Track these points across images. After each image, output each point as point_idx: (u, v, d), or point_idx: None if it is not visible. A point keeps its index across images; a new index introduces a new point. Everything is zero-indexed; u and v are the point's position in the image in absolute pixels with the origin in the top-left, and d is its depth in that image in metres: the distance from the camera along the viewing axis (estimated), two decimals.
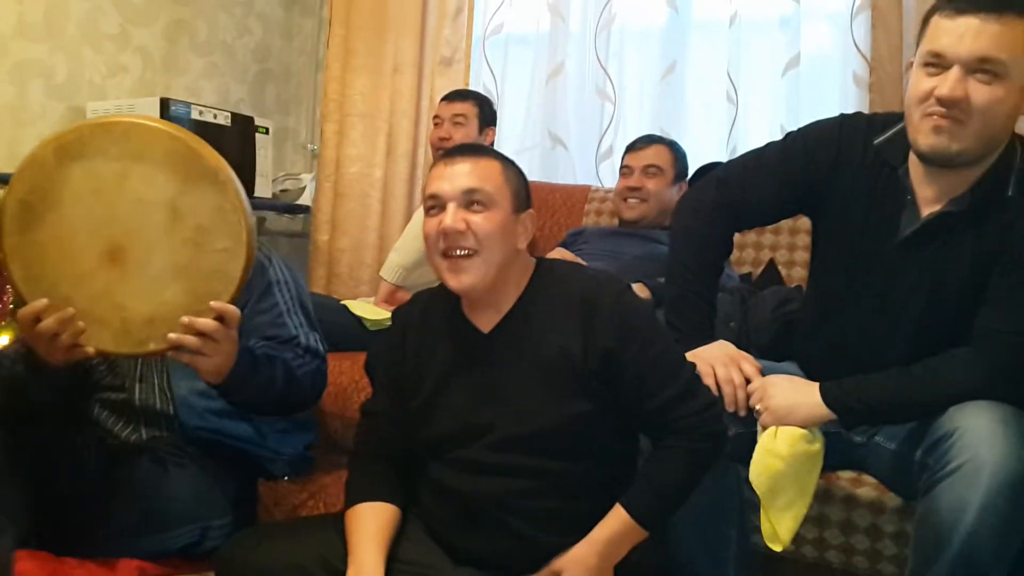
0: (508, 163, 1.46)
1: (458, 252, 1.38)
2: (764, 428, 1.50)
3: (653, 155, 2.44)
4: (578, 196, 2.85)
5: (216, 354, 1.40)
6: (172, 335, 1.37)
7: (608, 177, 3.00)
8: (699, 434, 1.40)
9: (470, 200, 1.39)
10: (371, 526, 1.40)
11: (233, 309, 1.40)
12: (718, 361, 1.55)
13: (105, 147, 1.40)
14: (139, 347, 1.40)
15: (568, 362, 1.39)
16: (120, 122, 1.43)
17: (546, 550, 1.39)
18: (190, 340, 1.37)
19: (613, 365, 1.39)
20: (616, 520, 1.38)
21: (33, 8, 2.69)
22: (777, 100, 2.72)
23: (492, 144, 2.78)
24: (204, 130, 2.76)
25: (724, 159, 2.73)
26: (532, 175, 2.99)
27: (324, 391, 1.73)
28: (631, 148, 2.50)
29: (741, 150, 2.76)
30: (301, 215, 3.37)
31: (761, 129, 2.75)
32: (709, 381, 1.50)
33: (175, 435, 1.67)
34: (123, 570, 1.52)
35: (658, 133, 2.77)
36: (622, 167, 2.49)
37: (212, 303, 1.38)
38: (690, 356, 1.51)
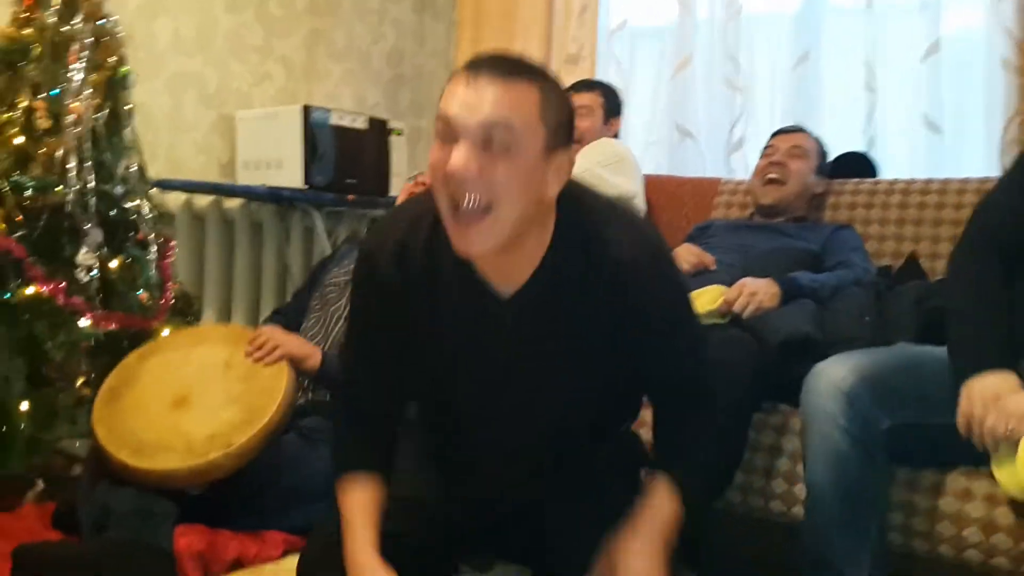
0: (550, 85, 1.16)
1: (467, 203, 1.11)
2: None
3: (801, 139, 2.38)
4: (707, 189, 2.81)
5: (284, 341, 1.77)
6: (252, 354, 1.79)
7: (739, 169, 2.96)
8: (714, 402, 1.36)
9: (489, 138, 1.10)
10: (364, 507, 1.27)
11: (257, 331, 1.86)
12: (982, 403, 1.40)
13: (175, 343, 1.92)
14: (202, 460, 1.62)
15: (596, 329, 1.24)
16: (189, 329, 2.10)
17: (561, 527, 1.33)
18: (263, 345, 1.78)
19: (639, 329, 1.25)
20: (667, 505, 1.27)
21: (187, 24, 2.88)
22: (919, 87, 2.61)
23: (617, 136, 2.77)
24: (343, 135, 2.89)
25: (862, 149, 2.65)
26: (660, 169, 3.01)
27: None
28: (778, 132, 2.44)
29: (880, 140, 2.68)
30: None
31: (901, 118, 2.65)
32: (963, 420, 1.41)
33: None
34: (271, 541, 1.63)
35: (791, 121, 2.72)
36: (765, 148, 2.41)
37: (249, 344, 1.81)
38: (964, 388, 1.42)
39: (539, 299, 1.23)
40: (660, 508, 1.27)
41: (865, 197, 2.41)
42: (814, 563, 1.53)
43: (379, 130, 3.07)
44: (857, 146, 2.65)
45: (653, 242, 1.27)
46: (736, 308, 1.87)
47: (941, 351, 1.54)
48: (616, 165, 2.59)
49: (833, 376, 1.51)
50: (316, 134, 2.80)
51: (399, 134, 3.16)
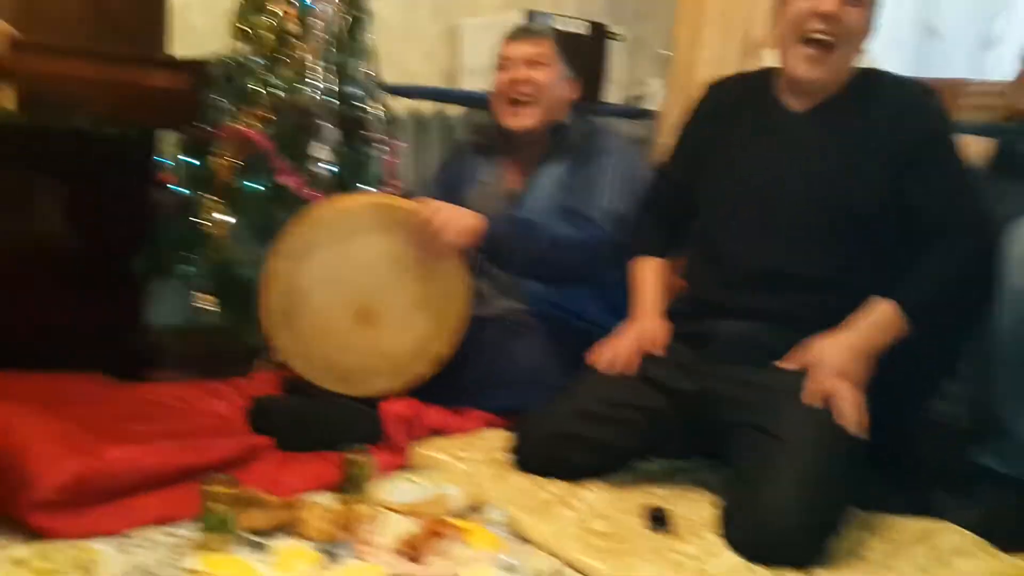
0: None
1: (819, 36, 1.51)
2: None
3: None
4: (951, 91, 2.56)
5: (447, 219, 1.70)
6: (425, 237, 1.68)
7: (993, 69, 2.67)
8: (977, 234, 1.48)
9: None
10: (654, 278, 1.70)
11: (419, 205, 1.73)
12: None
13: (325, 236, 1.70)
14: (410, 376, 1.68)
15: (873, 153, 1.51)
16: (326, 209, 1.76)
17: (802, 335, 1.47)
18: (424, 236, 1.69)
19: (914, 156, 1.50)
20: (880, 309, 1.44)
21: None
22: None
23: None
24: (563, 39, 2.90)
25: None
26: (902, 69, 2.76)
27: (609, 265, 1.84)
28: None
29: None
30: (649, 120, 3.42)
31: None
32: None
33: (525, 308, 1.89)
34: (472, 418, 1.76)
35: None
36: None
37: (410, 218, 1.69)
38: None
39: (826, 118, 1.57)
40: (875, 312, 1.45)
41: None
42: (978, 409, 1.57)
43: (599, 34, 3.06)
44: None
45: (930, 94, 1.59)
46: None
47: None
48: None
49: None
50: None
51: (620, 39, 3.13)
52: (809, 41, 1.52)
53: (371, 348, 1.70)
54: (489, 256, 1.83)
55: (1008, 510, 1.46)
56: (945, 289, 1.48)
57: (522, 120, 1.97)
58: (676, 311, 1.67)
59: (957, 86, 2.57)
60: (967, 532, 1.40)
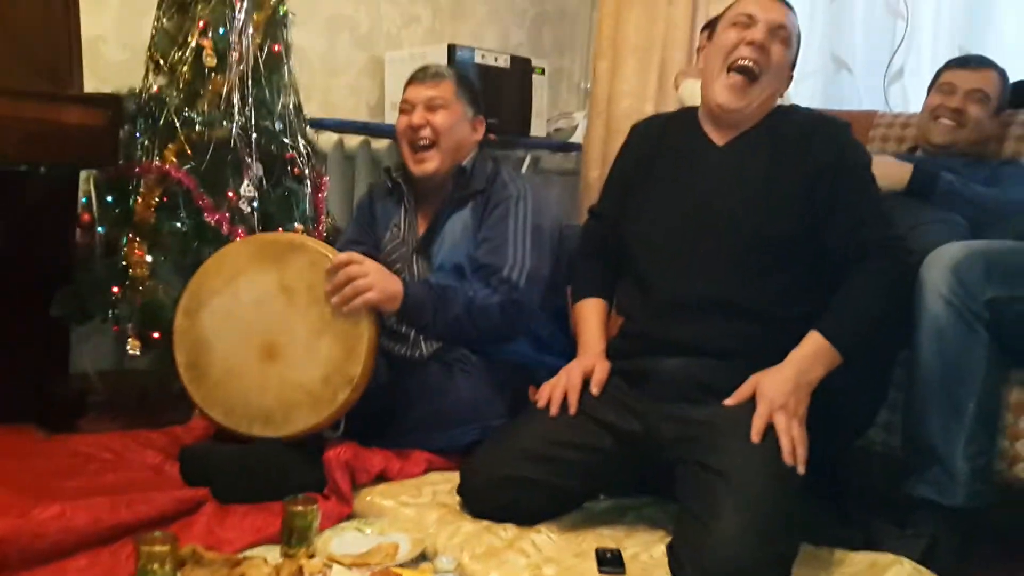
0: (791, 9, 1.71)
1: (747, 63, 1.60)
2: None
3: (984, 81, 2.15)
4: (862, 123, 2.67)
5: (373, 283, 1.64)
6: (334, 300, 1.63)
7: (898, 101, 2.80)
8: (893, 257, 1.54)
9: (775, 33, 1.62)
10: (595, 319, 1.73)
11: (339, 257, 1.65)
12: None
13: (211, 286, 1.72)
14: (332, 404, 1.62)
15: (788, 179, 1.58)
16: (209, 261, 1.77)
17: (733, 365, 1.51)
18: (348, 291, 1.62)
19: (827, 180, 1.56)
20: (811, 341, 1.49)
21: None
22: None
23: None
24: (486, 73, 2.93)
25: None
26: (814, 102, 2.89)
27: (526, 321, 1.86)
28: (961, 65, 2.21)
29: None
30: (573, 153, 3.48)
31: None
32: None
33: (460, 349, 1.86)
34: (414, 459, 1.73)
35: (957, 50, 2.54)
36: (940, 84, 2.21)
37: (329, 265, 1.64)
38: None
39: (746, 146, 1.64)
40: (806, 344, 1.49)
41: None
42: (911, 441, 1.59)
43: (522, 69, 3.09)
44: None
45: (845, 129, 1.67)
46: None
47: None
48: None
49: (946, 253, 1.59)
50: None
51: (541, 73, 3.17)
52: (735, 69, 1.61)
53: (283, 382, 1.65)
54: (406, 322, 1.81)
55: (948, 540, 1.50)
56: (869, 316, 1.52)
57: (423, 166, 1.94)
58: (615, 347, 1.68)
59: (868, 117, 2.69)
60: (912, 563, 1.43)
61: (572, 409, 1.56)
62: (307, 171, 2.33)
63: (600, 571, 1.39)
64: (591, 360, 1.63)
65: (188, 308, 1.73)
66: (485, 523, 1.51)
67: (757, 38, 1.60)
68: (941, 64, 2.39)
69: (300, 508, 1.39)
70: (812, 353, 1.48)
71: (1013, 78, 2.24)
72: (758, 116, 1.66)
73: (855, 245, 1.54)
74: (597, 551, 1.43)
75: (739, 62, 1.61)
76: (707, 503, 1.35)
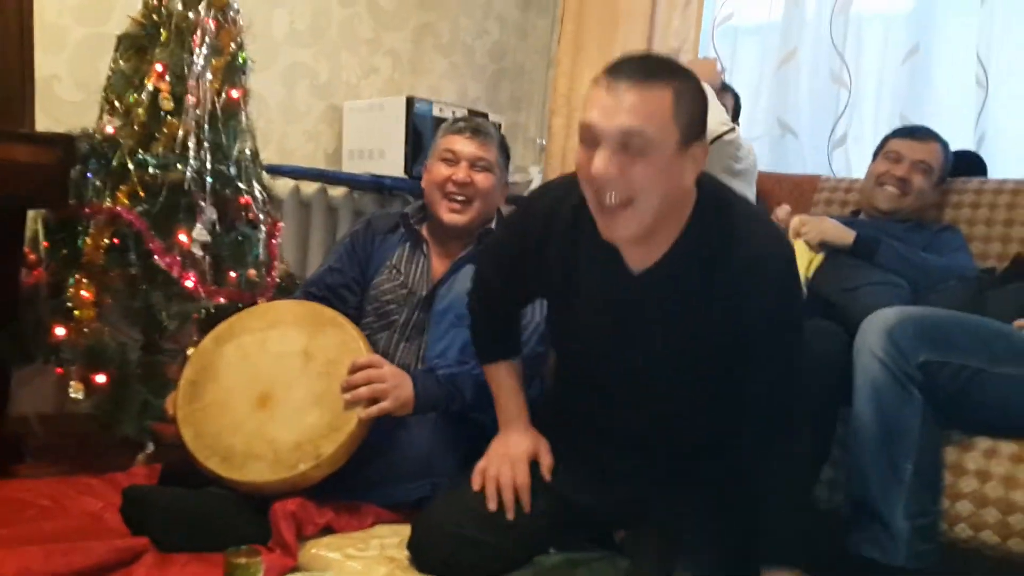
0: (684, 84, 1.26)
1: (609, 200, 1.26)
2: None
3: (929, 152, 2.24)
4: (807, 186, 2.77)
5: (389, 391, 1.64)
6: (347, 395, 1.63)
7: (841, 166, 2.90)
8: (803, 426, 1.41)
9: (626, 143, 1.23)
10: (514, 387, 1.62)
11: (368, 357, 1.67)
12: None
13: (249, 325, 1.79)
14: (290, 470, 1.61)
15: (710, 314, 1.34)
16: (260, 305, 1.92)
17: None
18: (364, 391, 1.63)
19: (748, 324, 1.34)
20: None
21: (302, 16, 3.01)
22: None
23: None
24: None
25: (971, 147, 2.56)
26: (760, 165, 2.96)
27: (530, 379, 1.80)
28: (907, 135, 2.29)
29: (991, 137, 2.59)
30: None
31: (1018, 114, 2.54)
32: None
33: None
34: (363, 512, 1.70)
35: (898, 118, 2.65)
36: (886, 151, 2.29)
37: (354, 361, 1.65)
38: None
39: (666, 278, 1.36)
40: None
41: (972, 196, 2.35)
42: (853, 504, 1.62)
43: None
44: (967, 143, 2.56)
45: (781, 249, 1.37)
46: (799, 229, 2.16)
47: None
48: (745, 175, 2.56)
49: (882, 316, 1.63)
50: (418, 125, 2.88)
51: (497, 128, 3.21)
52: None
53: (259, 431, 1.64)
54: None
55: None
56: (792, 502, 1.42)
57: (457, 217, 1.95)
58: (551, 413, 1.63)
59: (812, 181, 2.78)
60: None
61: (526, 508, 1.50)
62: (261, 216, 2.32)
63: None
64: (530, 444, 1.57)
65: (220, 336, 1.79)
66: None
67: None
68: (882, 131, 2.51)
69: (243, 560, 1.35)
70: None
71: (951, 147, 2.34)
72: (677, 230, 1.35)
73: (760, 411, 1.40)
74: None
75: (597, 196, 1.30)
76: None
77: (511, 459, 1.53)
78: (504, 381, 1.63)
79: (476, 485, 1.53)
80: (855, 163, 2.86)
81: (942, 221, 2.34)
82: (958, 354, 1.61)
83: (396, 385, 1.69)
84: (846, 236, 2.09)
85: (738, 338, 1.35)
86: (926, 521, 1.59)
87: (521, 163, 3.68)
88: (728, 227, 1.33)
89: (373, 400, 1.65)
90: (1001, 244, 2.26)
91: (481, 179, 1.97)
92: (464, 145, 1.98)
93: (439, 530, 1.51)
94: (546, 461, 1.54)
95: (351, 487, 1.72)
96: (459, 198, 1.96)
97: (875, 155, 2.35)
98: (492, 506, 1.50)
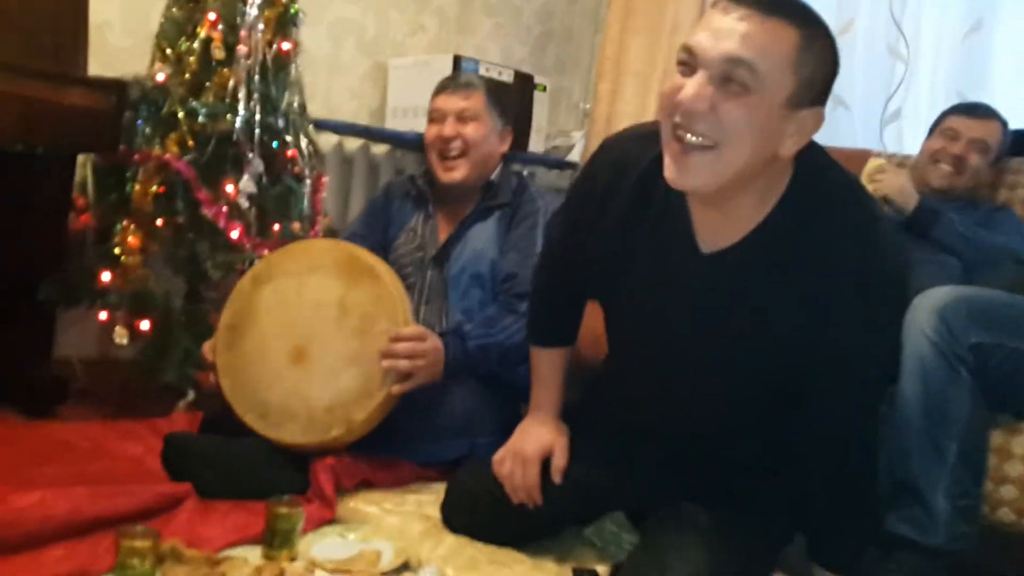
0: (817, 32, 1.07)
1: (689, 138, 1.07)
2: None
3: (988, 131, 2.17)
4: (857, 160, 2.70)
5: (425, 367, 1.62)
6: (386, 363, 1.60)
7: (892, 142, 2.84)
8: (871, 457, 1.30)
9: (729, 74, 1.05)
10: (553, 376, 1.50)
11: (413, 330, 1.63)
12: None
13: (287, 267, 1.74)
14: (323, 435, 1.60)
15: (786, 314, 1.16)
16: (297, 244, 1.84)
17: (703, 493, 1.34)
18: (403, 364, 1.59)
19: (826, 332, 1.15)
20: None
21: None
22: None
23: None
24: (489, 86, 2.93)
25: None
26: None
27: None
28: (966, 112, 2.22)
29: None
30: (569, 171, 3.48)
31: None
32: None
33: None
34: (400, 469, 1.71)
35: (955, 95, 2.58)
36: (943, 128, 2.22)
37: (398, 332, 1.61)
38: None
39: (742, 266, 1.17)
40: None
41: None
42: (893, 483, 1.57)
43: (524, 84, 3.10)
44: None
45: (887, 252, 1.15)
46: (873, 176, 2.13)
47: None
48: None
49: (934, 295, 1.58)
50: None
51: (543, 90, 3.18)
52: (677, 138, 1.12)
53: (294, 389, 1.64)
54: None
55: None
56: (856, 513, 1.35)
57: (452, 174, 1.97)
58: (593, 405, 1.56)
59: (863, 156, 2.72)
60: None
61: (536, 505, 1.45)
62: (307, 170, 2.32)
63: None
64: (547, 440, 1.46)
65: (257, 276, 1.76)
66: (467, 537, 1.49)
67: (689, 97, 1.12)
68: (937, 108, 2.43)
69: (285, 510, 1.37)
70: None
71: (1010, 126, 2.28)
72: (761, 203, 1.17)
73: (831, 406, 1.26)
74: (575, 570, 1.43)
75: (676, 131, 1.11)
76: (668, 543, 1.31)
77: (524, 458, 1.45)
78: (545, 369, 1.52)
79: (496, 474, 1.49)
80: (908, 139, 2.79)
81: (996, 201, 2.28)
82: (1011, 337, 1.57)
83: (433, 363, 1.68)
84: (909, 200, 2.05)
85: (815, 350, 1.17)
86: (968, 503, 1.56)
87: (564, 126, 3.64)
88: (827, 216, 1.13)
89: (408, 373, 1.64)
90: None
91: (469, 130, 1.97)
92: (446, 101, 2.01)
93: (470, 496, 1.51)
94: (559, 462, 1.44)
95: (390, 443, 1.73)
96: (451, 154, 1.97)
97: (930, 132, 2.29)
98: (514, 501, 1.46)
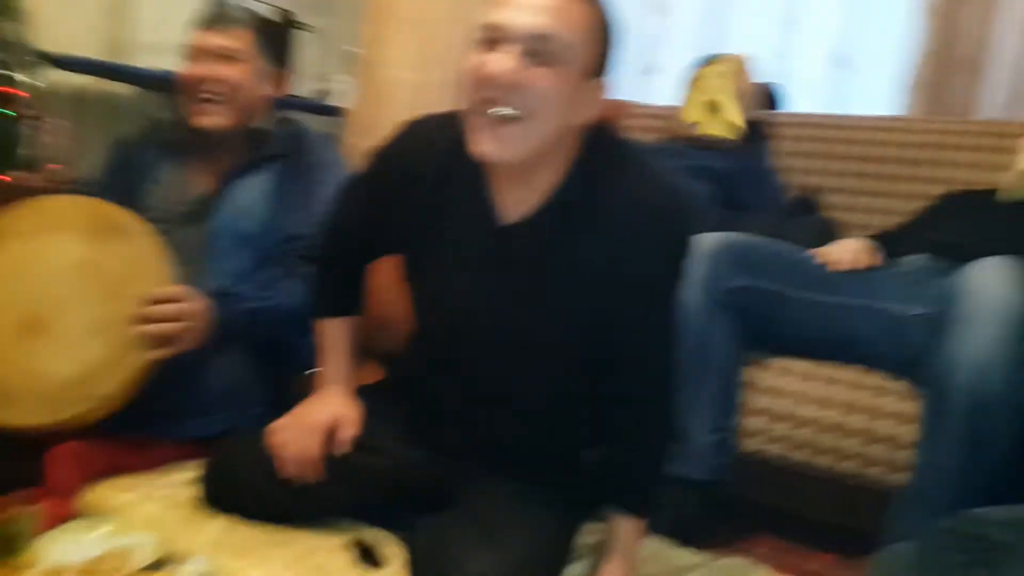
0: (603, 9, 1.14)
1: (496, 112, 1.10)
2: None
3: None
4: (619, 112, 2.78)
5: (185, 331, 1.47)
6: (137, 328, 1.43)
7: (653, 94, 2.96)
8: (668, 409, 1.30)
9: (535, 47, 1.09)
10: (341, 347, 1.46)
11: (170, 290, 1.47)
12: None
13: (17, 227, 1.54)
14: (64, 412, 1.42)
15: (583, 279, 1.20)
16: (34, 201, 1.57)
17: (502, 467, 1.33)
18: (157, 328, 1.44)
19: (621, 292, 1.20)
20: (625, 528, 1.29)
21: None
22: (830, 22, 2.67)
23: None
24: (258, 23, 2.72)
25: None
26: None
27: None
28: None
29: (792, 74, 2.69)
30: (337, 117, 3.33)
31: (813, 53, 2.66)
32: None
33: None
34: (160, 450, 1.56)
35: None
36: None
37: (151, 293, 1.45)
38: None
39: (537, 233, 1.21)
40: (623, 531, 1.29)
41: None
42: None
43: (286, 23, 2.92)
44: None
45: (672, 209, 1.19)
46: None
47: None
48: None
49: (707, 240, 1.70)
50: None
51: (308, 30, 3.01)
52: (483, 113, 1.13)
53: (23, 364, 1.44)
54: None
55: (693, 511, 1.62)
56: (654, 471, 1.34)
57: (211, 119, 1.74)
58: (396, 385, 1.50)
59: (623, 107, 2.80)
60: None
61: (314, 478, 1.36)
62: (31, 111, 2.04)
63: (357, 563, 1.33)
64: (336, 408, 1.41)
65: None
66: (237, 517, 1.38)
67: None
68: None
69: (12, 511, 1.20)
70: (633, 536, 1.30)
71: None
72: (556, 175, 1.20)
73: (632, 384, 1.28)
74: (354, 543, 1.37)
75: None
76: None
77: (306, 427, 1.37)
78: (334, 341, 1.46)
79: (268, 444, 1.39)
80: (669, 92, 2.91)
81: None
82: (771, 281, 1.68)
83: (194, 327, 1.51)
84: None
85: (615, 310, 1.21)
86: (723, 436, 1.69)
87: (328, 70, 3.47)
88: (613, 180, 1.18)
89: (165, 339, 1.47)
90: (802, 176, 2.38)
91: (231, 72, 1.75)
92: (206, 38, 1.77)
93: (230, 476, 1.41)
94: (344, 434, 1.38)
95: (143, 421, 1.56)
96: (208, 96, 1.74)
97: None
98: (284, 473, 1.36)
